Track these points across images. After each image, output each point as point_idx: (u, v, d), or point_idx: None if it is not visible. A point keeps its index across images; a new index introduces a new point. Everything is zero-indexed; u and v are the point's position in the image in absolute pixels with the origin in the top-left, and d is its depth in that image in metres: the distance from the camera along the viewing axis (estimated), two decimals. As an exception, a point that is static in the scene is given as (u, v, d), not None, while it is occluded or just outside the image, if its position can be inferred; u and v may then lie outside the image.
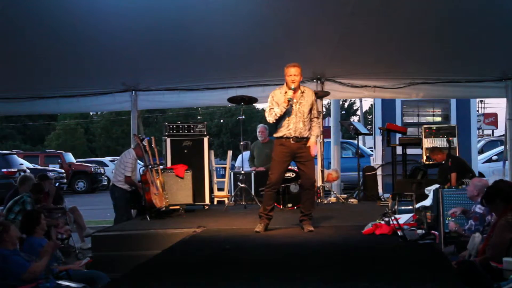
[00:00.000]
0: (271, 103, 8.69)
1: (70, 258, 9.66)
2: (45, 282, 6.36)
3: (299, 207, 9.31)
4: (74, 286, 6.57)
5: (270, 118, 8.68)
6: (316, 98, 9.01)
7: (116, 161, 12.09)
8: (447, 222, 7.63)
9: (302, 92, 8.70)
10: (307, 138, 8.74)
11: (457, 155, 13.04)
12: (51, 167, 28.49)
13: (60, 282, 6.56)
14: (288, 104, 8.50)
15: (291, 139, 8.64)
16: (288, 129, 8.64)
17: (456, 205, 7.71)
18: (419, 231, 8.12)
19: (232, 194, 12.97)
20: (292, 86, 8.51)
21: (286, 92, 8.57)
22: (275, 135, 8.83)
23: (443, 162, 11.97)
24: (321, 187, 12.84)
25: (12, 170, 21.85)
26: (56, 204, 11.41)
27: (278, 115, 8.58)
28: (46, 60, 11.13)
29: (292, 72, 8.55)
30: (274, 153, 8.87)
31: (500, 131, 32.09)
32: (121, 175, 11.32)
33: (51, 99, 13.67)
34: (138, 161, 11.77)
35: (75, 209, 11.43)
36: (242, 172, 12.42)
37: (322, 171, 13.08)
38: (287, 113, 8.59)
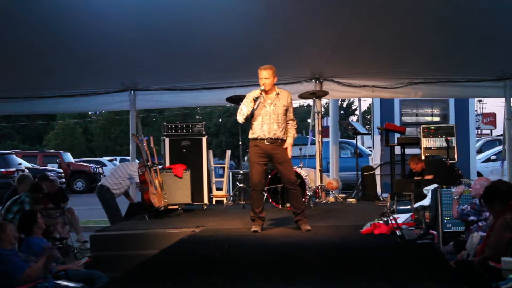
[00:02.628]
0: (243, 103, 8.74)
1: (69, 257, 9.66)
2: (44, 281, 6.35)
3: (290, 208, 9.31)
4: (72, 286, 6.56)
5: (239, 118, 8.74)
6: (292, 101, 8.98)
7: (117, 166, 12.10)
8: (455, 197, 7.69)
9: (277, 94, 8.73)
10: (282, 140, 8.75)
11: (455, 156, 13.11)
12: (49, 166, 28.55)
13: (58, 281, 6.55)
14: (254, 103, 8.54)
15: (265, 140, 8.65)
16: (262, 130, 8.66)
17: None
18: (418, 231, 8.14)
19: (231, 194, 12.97)
20: (262, 87, 8.54)
21: (260, 93, 8.61)
22: (249, 137, 8.85)
23: (423, 170, 12.06)
24: (319, 187, 12.84)
25: (11, 169, 21.89)
26: (61, 204, 11.44)
27: (245, 115, 8.62)
28: (45, 60, 11.12)
29: (264, 75, 8.61)
30: (250, 155, 8.89)
31: (498, 130, 32.11)
32: (121, 181, 11.38)
33: (50, 99, 13.68)
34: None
35: (71, 211, 11.42)
36: (241, 171, 12.43)
37: (321, 171, 13.07)
38: (261, 114, 8.63)
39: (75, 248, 10.53)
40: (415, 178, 11.99)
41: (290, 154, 8.83)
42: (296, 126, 8.95)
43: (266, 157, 8.78)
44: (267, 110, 8.64)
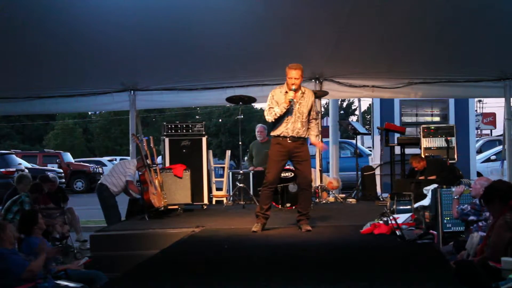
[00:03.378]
0: (271, 101, 8.73)
1: (69, 257, 9.66)
2: (44, 281, 6.35)
3: (297, 207, 9.32)
4: (72, 286, 6.56)
5: (270, 117, 8.70)
6: (315, 99, 9.05)
7: (115, 164, 12.11)
8: (455, 197, 7.71)
9: (303, 93, 8.74)
10: (304, 139, 8.81)
11: (455, 156, 13.10)
12: (49, 166, 28.53)
13: (58, 282, 6.56)
14: (289, 104, 8.53)
15: (288, 138, 8.69)
16: (286, 128, 8.68)
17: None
18: (418, 231, 8.14)
19: (231, 194, 12.97)
20: (293, 87, 8.54)
21: (286, 92, 8.60)
22: (272, 134, 8.88)
23: (424, 169, 12.03)
24: (319, 187, 12.83)
25: (11, 169, 21.87)
26: (61, 204, 11.45)
27: (278, 115, 8.62)
28: (45, 60, 11.12)
29: (293, 75, 8.56)
30: (270, 152, 8.91)
31: (498, 130, 32.13)
32: (117, 179, 11.36)
33: (50, 99, 13.69)
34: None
35: (71, 211, 11.42)
36: (241, 171, 12.44)
37: (321, 171, 13.07)
38: (286, 112, 8.62)
39: (75, 248, 10.53)
40: (419, 178, 11.96)
41: (323, 146, 9.36)
42: (318, 124, 9.02)
43: (287, 156, 8.84)
44: (292, 109, 8.66)
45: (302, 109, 8.70)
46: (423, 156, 13.09)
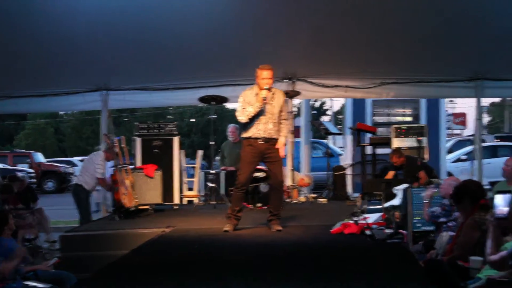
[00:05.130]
0: (243, 103, 8.71)
1: (38, 258, 9.59)
2: (12, 282, 6.30)
3: (269, 207, 9.31)
4: (41, 287, 6.52)
5: (243, 118, 8.68)
6: (285, 99, 9.04)
7: (84, 161, 12.04)
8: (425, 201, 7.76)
9: (273, 93, 8.74)
10: (276, 139, 8.78)
11: (426, 156, 13.18)
12: (20, 166, 28.30)
13: (27, 282, 6.51)
14: (262, 103, 8.53)
15: (259, 140, 8.68)
16: (257, 130, 8.67)
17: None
18: (388, 230, 8.18)
19: (202, 194, 12.93)
20: (266, 87, 8.54)
21: (257, 94, 8.61)
22: (243, 135, 8.86)
23: (403, 164, 12.09)
24: (290, 187, 12.84)
25: (-20, 170, 21.72)
26: (30, 203, 11.36)
27: (252, 115, 8.61)
28: (16, 60, 11.01)
29: (266, 76, 8.59)
30: (243, 154, 8.90)
31: (470, 130, 32.41)
32: (90, 177, 11.24)
33: (21, 99, 13.55)
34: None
35: (41, 211, 11.32)
36: (212, 171, 12.42)
37: (292, 171, 13.08)
38: (258, 113, 8.62)
39: (44, 249, 10.45)
40: (392, 173, 12.01)
41: (282, 153, 8.92)
42: (289, 126, 8.99)
43: (259, 157, 8.83)
44: (262, 110, 8.65)
45: (273, 109, 8.71)
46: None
